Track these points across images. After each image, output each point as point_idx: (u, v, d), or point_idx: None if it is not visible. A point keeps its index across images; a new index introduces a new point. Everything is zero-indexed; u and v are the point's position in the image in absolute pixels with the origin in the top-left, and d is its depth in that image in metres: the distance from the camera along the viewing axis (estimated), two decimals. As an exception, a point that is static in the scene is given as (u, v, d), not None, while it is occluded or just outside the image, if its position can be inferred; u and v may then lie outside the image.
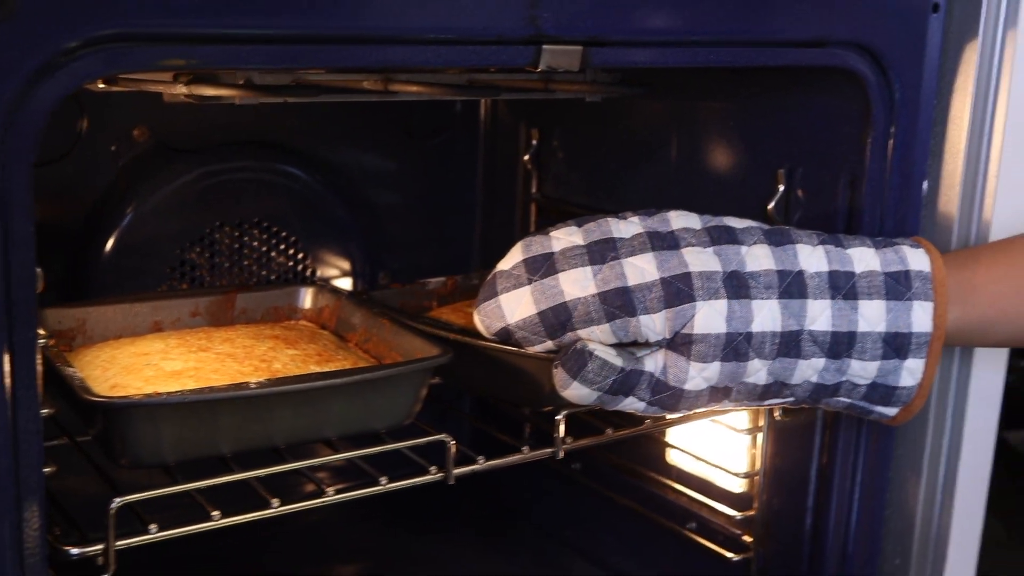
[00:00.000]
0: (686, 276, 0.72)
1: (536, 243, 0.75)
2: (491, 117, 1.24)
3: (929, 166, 0.90)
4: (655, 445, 1.09)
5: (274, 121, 1.12)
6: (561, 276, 0.73)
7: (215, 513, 0.68)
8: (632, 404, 0.74)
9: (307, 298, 0.96)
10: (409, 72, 0.80)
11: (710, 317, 0.72)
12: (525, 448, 0.82)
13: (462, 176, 1.25)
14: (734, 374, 0.73)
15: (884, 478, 0.94)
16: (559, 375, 0.72)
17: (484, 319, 0.75)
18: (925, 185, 0.90)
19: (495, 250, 1.25)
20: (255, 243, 1.11)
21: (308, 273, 1.15)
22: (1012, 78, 0.87)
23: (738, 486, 1.01)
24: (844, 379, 0.76)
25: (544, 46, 0.69)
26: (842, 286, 0.75)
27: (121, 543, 0.64)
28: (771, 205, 0.93)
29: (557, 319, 0.72)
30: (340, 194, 1.16)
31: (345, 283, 1.18)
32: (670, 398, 0.73)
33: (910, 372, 0.76)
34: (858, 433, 0.92)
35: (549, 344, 0.74)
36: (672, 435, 1.06)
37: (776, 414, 0.95)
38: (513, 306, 0.73)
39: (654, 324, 0.72)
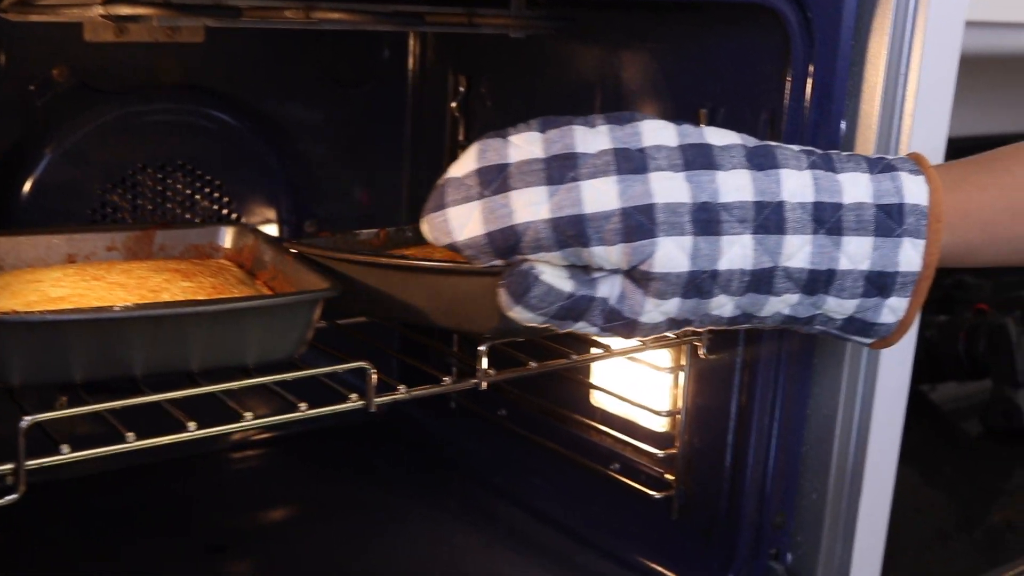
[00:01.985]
0: (649, 208, 0.66)
1: (492, 150, 0.69)
2: (419, 64, 1.24)
3: (847, 106, 0.91)
4: (579, 387, 1.10)
5: (199, 64, 1.11)
6: (513, 195, 0.67)
7: (129, 435, 0.67)
8: (585, 328, 0.70)
9: (227, 237, 0.95)
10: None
11: (671, 255, 0.67)
12: (447, 379, 0.82)
13: (390, 123, 1.24)
14: (696, 309, 0.70)
15: (802, 416, 0.96)
16: (503, 296, 0.69)
17: (432, 231, 0.71)
18: (843, 124, 0.91)
19: (423, 198, 1.25)
20: (179, 186, 1.10)
21: (233, 218, 1.14)
22: (928, 18, 0.89)
23: (660, 425, 1.02)
24: (818, 313, 0.72)
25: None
26: (827, 219, 0.69)
27: (32, 463, 0.64)
28: (693, 145, 0.94)
29: (506, 242, 0.68)
30: (266, 140, 1.16)
31: (271, 230, 1.17)
32: (624, 327, 0.70)
33: (891, 310, 0.72)
34: (776, 372, 0.93)
35: (499, 263, 0.70)
36: (596, 376, 1.07)
37: (700, 352, 0.96)
38: (462, 221, 0.69)
39: (609, 256, 0.67)
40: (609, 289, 0.69)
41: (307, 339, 0.78)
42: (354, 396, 0.77)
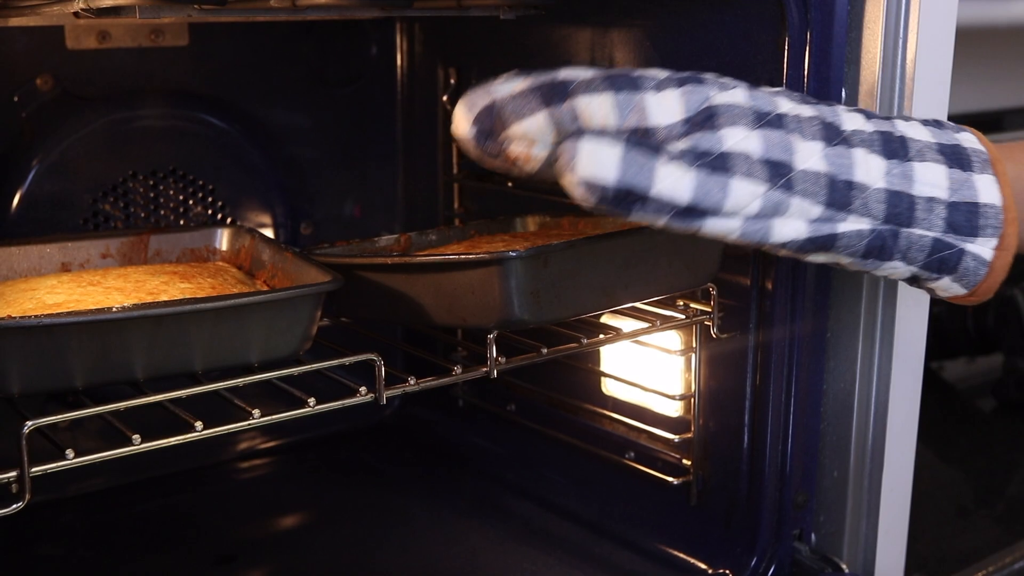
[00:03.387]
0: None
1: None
2: (407, 59, 1.22)
3: (847, 74, 0.89)
4: (590, 376, 1.08)
5: (185, 69, 1.09)
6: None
7: (135, 437, 0.65)
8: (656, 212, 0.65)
9: (224, 239, 0.93)
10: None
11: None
12: (457, 368, 0.80)
13: (380, 122, 1.23)
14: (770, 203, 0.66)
15: (818, 391, 0.94)
16: (564, 173, 0.64)
17: (467, 100, 0.71)
18: (844, 92, 0.89)
19: (419, 195, 1.24)
20: (171, 192, 1.08)
21: (229, 223, 1.12)
22: (923, -18, 0.87)
23: (674, 410, 1.01)
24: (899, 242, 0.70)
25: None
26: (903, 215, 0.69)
27: (37, 469, 0.62)
28: (693, 121, 0.92)
29: (554, 90, 0.67)
30: (258, 143, 1.14)
31: (267, 234, 1.15)
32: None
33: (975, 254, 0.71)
34: (790, 349, 0.92)
35: (541, 117, 0.68)
36: (606, 363, 1.06)
37: (712, 332, 0.94)
38: (505, 86, 0.70)
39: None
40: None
41: (311, 334, 0.76)
42: (363, 389, 0.75)
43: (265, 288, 0.85)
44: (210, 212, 1.11)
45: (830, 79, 0.87)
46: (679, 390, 0.99)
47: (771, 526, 0.95)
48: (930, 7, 0.87)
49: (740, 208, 0.65)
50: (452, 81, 1.16)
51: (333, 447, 1.22)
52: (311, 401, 0.73)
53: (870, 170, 0.68)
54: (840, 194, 0.67)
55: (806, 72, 0.87)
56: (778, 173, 0.66)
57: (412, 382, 0.77)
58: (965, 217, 0.69)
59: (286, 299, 0.74)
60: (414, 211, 1.25)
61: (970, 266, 0.71)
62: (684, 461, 1.00)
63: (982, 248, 0.70)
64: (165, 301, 0.73)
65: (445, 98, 1.16)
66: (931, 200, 0.69)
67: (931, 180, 0.69)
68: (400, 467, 1.20)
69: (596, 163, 0.63)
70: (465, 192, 1.18)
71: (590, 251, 0.78)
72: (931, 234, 0.69)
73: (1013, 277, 1.48)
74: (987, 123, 1.94)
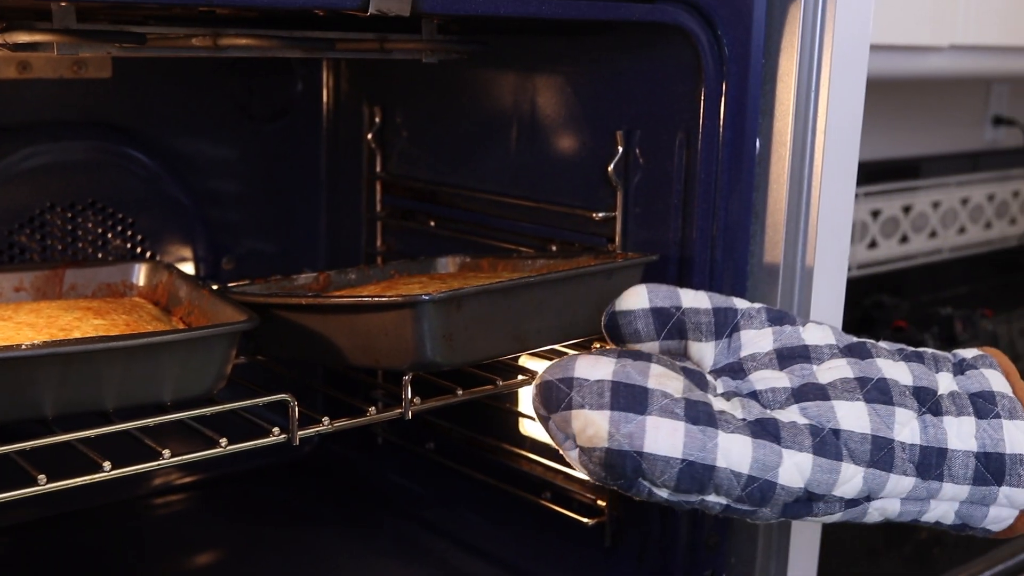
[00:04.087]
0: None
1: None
2: (333, 96, 1.22)
3: (761, 125, 0.92)
4: (508, 416, 1.08)
5: (107, 101, 1.08)
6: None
7: (41, 477, 0.65)
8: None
9: (141, 274, 0.93)
10: (238, 26, 0.78)
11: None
12: (372, 409, 0.80)
13: (305, 158, 1.23)
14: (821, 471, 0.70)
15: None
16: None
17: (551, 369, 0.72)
18: (758, 143, 0.92)
19: (342, 232, 1.24)
20: (89, 225, 1.07)
21: (148, 257, 1.11)
22: (835, 36, 0.90)
23: (590, 451, 1.02)
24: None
25: (373, -12, 0.68)
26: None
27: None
28: (611, 167, 0.94)
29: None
30: (179, 177, 1.13)
31: (187, 268, 1.14)
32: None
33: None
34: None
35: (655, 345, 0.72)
36: (524, 404, 1.06)
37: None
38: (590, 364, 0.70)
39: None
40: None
41: (225, 374, 0.76)
42: (276, 430, 0.75)
43: (181, 326, 0.85)
44: (129, 246, 1.10)
45: (744, 130, 0.90)
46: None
47: (683, 567, 0.96)
48: (841, 62, 0.90)
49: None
50: (377, 120, 1.16)
51: (250, 484, 1.21)
52: (223, 441, 0.73)
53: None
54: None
55: (721, 123, 0.89)
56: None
57: (326, 423, 0.77)
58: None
59: (200, 338, 0.74)
60: (337, 248, 1.25)
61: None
62: (599, 502, 1.01)
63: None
64: (75, 339, 0.72)
65: (370, 136, 1.17)
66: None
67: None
68: (317, 504, 1.19)
69: None
70: (388, 230, 1.18)
71: (503, 296, 0.78)
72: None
73: (923, 322, 1.52)
74: (904, 169, 2.00)
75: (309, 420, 0.78)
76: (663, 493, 0.68)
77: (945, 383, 0.74)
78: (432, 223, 1.13)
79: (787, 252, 0.93)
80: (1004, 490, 0.71)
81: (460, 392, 0.85)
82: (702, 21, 0.87)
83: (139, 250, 1.10)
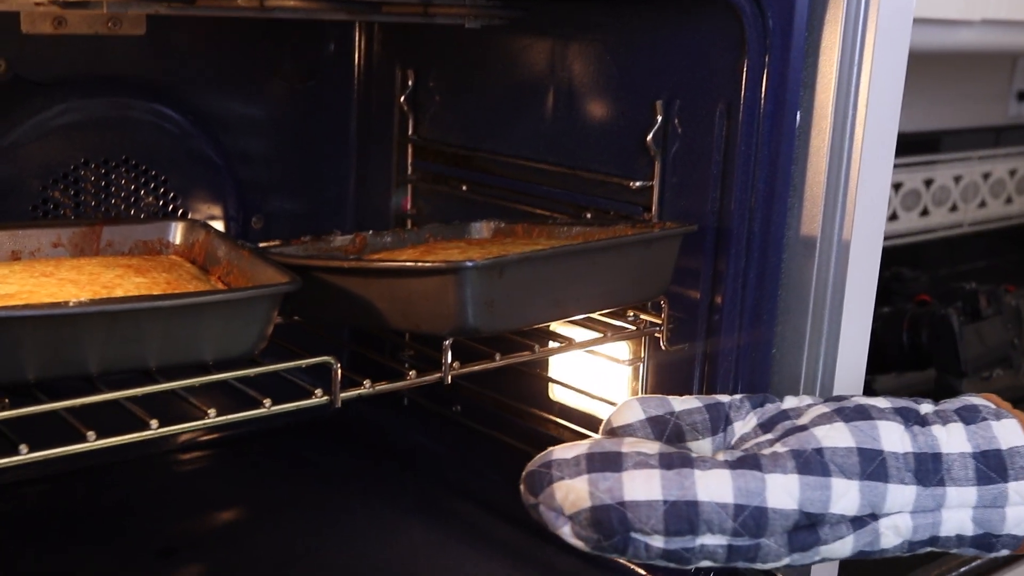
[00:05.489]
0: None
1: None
2: (365, 58, 1.22)
3: (802, 98, 0.92)
4: (537, 382, 1.09)
5: (140, 58, 1.08)
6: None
7: (90, 434, 0.65)
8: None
9: (177, 232, 0.93)
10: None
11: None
12: (412, 373, 0.81)
13: (336, 119, 1.23)
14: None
15: (760, 405, 0.96)
16: None
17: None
18: (798, 116, 0.91)
19: (371, 194, 1.24)
20: (123, 181, 1.07)
21: (179, 215, 1.11)
22: (879, 10, 0.90)
23: (619, 418, 1.02)
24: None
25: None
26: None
27: (-9, 463, 0.61)
28: (649, 137, 0.94)
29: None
30: (212, 136, 1.13)
31: (218, 226, 1.14)
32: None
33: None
34: (736, 363, 0.94)
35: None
36: (554, 370, 1.07)
37: (662, 344, 0.96)
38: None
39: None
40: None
41: (267, 335, 0.76)
42: (318, 391, 0.75)
43: (220, 285, 0.85)
44: (161, 203, 1.10)
45: (786, 102, 0.89)
46: (626, 398, 1.01)
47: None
48: (885, 36, 0.89)
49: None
50: (410, 83, 1.16)
51: (274, 442, 1.22)
52: (267, 402, 0.73)
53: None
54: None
55: (763, 95, 0.89)
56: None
57: (368, 386, 0.78)
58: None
59: (245, 299, 0.74)
60: (366, 210, 1.25)
61: None
62: (626, 469, 1.01)
63: None
64: (122, 297, 0.73)
65: (402, 99, 1.17)
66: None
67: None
68: (342, 464, 1.20)
69: None
70: (419, 193, 1.18)
71: (544, 263, 0.79)
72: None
73: (946, 296, 1.53)
74: (926, 143, 1.99)
75: (349, 382, 0.78)
76: (658, 542, 0.67)
77: (926, 407, 0.74)
78: (464, 188, 1.13)
79: (825, 225, 0.92)
80: (1013, 486, 0.70)
81: (498, 357, 0.85)
82: (747, -8, 0.86)
83: (171, 208, 1.11)
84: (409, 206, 1.19)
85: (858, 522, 0.69)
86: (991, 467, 0.69)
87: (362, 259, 0.84)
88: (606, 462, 0.67)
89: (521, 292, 0.78)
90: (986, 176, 2.12)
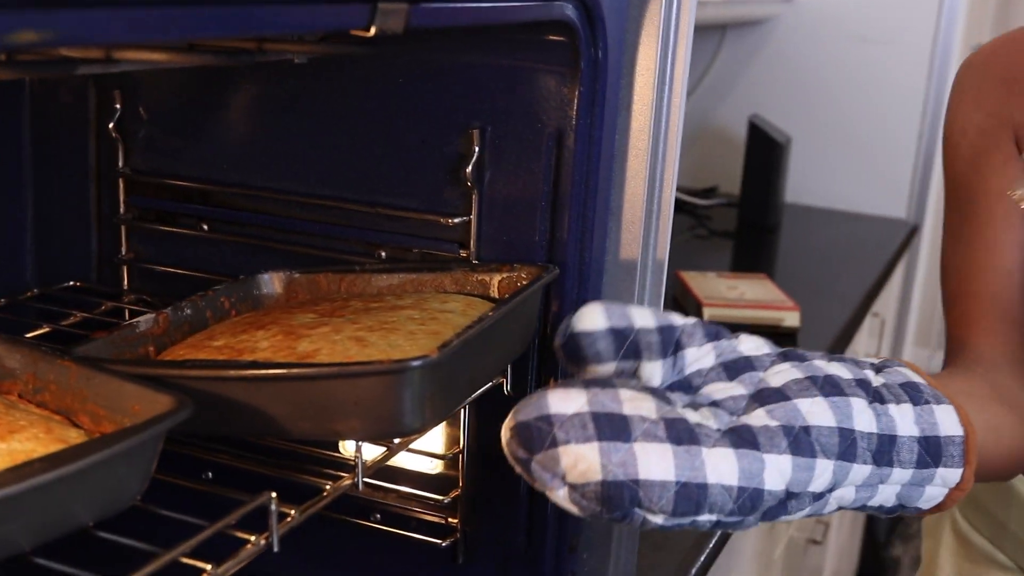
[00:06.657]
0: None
1: None
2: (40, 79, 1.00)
3: (619, 120, 0.89)
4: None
5: None
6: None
7: None
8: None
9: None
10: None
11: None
12: (328, 485, 0.68)
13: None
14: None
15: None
16: None
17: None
18: (616, 139, 0.89)
19: (59, 238, 1.02)
20: None
21: None
22: (690, 23, 0.90)
23: (436, 468, 0.95)
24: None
25: (379, 3, 0.56)
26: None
27: None
28: (469, 168, 0.87)
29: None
30: None
31: None
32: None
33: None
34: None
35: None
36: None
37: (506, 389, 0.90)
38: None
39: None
40: None
41: (151, 474, 0.61)
42: (253, 538, 0.61)
43: (35, 409, 0.65)
44: None
45: (615, 126, 0.87)
46: (441, 447, 0.94)
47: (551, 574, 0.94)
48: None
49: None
50: (117, 105, 0.97)
51: None
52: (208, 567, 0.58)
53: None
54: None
55: (593, 121, 0.85)
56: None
57: (295, 515, 0.65)
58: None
59: (137, 444, 0.57)
60: (49, 259, 1.03)
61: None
62: (451, 520, 0.95)
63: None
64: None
65: (111, 125, 0.97)
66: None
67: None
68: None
69: None
70: (134, 234, 1.00)
71: (478, 338, 0.70)
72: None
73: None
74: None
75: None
76: (658, 519, 0.65)
77: (870, 374, 0.78)
78: (205, 227, 0.97)
79: (643, 247, 0.92)
80: (940, 471, 0.76)
81: (396, 440, 0.75)
82: (584, 14, 0.82)
83: None
84: (124, 250, 1.00)
85: (819, 496, 0.71)
86: (930, 452, 0.74)
87: (258, 363, 0.68)
88: (614, 428, 0.63)
89: (452, 378, 0.68)
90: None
